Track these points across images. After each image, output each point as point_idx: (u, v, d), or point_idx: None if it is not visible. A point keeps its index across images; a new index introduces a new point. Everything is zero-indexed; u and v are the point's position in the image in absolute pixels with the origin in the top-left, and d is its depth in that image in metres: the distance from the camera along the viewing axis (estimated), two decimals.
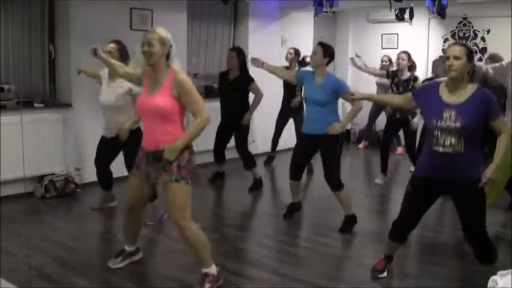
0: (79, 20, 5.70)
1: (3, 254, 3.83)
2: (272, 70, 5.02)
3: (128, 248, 3.78)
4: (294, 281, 3.56)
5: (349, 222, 4.67)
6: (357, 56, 7.67)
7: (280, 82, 7.20)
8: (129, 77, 3.65)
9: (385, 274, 3.63)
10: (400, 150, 8.73)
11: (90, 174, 5.70)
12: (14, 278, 3.39)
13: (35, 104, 5.57)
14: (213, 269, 3.39)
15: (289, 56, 6.79)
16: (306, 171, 6.70)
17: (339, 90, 4.50)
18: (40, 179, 5.48)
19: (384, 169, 6.48)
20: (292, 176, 4.83)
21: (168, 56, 3.27)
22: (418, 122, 5.90)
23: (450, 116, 3.11)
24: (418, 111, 5.93)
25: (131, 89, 4.40)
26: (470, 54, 3.17)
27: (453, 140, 3.11)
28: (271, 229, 4.73)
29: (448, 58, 3.14)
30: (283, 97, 7.03)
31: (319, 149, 4.63)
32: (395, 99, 3.89)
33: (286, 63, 6.86)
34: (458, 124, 3.08)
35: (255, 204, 5.77)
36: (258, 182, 6.04)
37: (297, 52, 6.80)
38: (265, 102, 6.69)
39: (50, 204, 5.29)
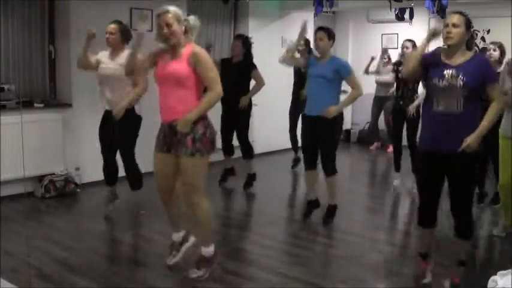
0: (79, 20, 5.70)
1: (3, 254, 3.83)
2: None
3: (175, 237, 3.71)
4: (294, 281, 3.56)
5: (333, 211, 4.79)
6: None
7: (281, 83, 7.22)
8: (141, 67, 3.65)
9: (429, 279, 3.53)
10: (374, 146, 8.75)
11: (90, 174, 5.71)
12: (14, 278, 3.39)
13: (35, 104, 5.57)
14: (211, 250, 3.48)
15: (300, 47, 6.75)
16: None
17: (341, 70, 4.54)
18: (40, 179, 5.49)
19: (398, 167, 6.15)
20: (305, 166, 4.82)
21: (185, 31, 3.31)
22: (413, 108, 5.84)
23: (451, 75, 3.17)
24: (416, 96, 5.87)
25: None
26: (468, 23, 3.23)
27: (452, 100, 3.15)
28: (271, 229, 4.73)
29: (447, 25, 3.19)
30: (293, 89, 7.02)
31: (317, 130, 4.60)
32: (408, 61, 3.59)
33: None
34: (459, 82, 3.13)
35: (255, 204, 5.76)
36: (252, 177, 5.99)
37: (307, 43, 6.75)
38: (265, 102, 6.67)
39: (50, 204, 5.29)
